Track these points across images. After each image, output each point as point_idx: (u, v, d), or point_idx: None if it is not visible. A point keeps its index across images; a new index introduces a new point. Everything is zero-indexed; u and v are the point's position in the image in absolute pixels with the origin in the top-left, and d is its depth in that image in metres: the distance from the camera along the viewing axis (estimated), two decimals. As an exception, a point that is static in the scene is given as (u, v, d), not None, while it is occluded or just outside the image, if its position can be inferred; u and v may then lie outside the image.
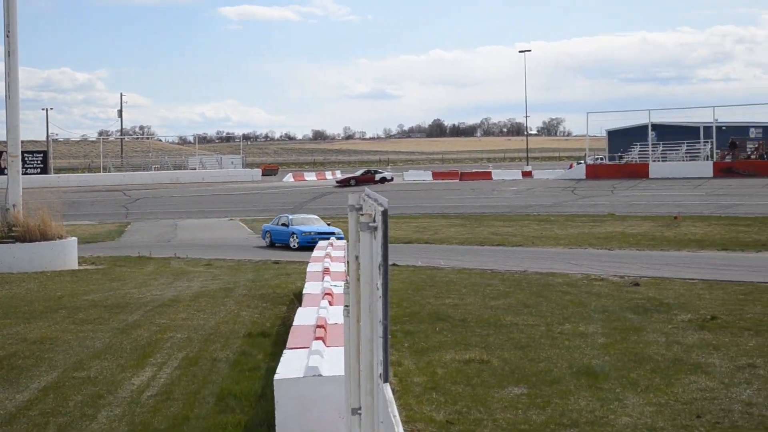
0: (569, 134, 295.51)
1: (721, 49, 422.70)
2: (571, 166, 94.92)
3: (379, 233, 5.61)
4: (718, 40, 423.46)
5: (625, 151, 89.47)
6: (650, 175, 74.09)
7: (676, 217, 45.06)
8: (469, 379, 15.71)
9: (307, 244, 36.47)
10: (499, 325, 20.34)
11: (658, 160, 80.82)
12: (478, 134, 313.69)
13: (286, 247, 38.60)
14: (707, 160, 76.43)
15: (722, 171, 71.22)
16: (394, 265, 31.21)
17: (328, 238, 34.99)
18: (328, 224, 39.86)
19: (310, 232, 37.94)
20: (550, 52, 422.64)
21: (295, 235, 38.31)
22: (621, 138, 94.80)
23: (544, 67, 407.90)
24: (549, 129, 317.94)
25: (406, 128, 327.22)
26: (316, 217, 41.60)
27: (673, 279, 27.10)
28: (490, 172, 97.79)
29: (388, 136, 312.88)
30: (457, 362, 16.92)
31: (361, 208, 6.78)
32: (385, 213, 5.55)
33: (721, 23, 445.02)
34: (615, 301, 23.27)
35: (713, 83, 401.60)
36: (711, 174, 71.19)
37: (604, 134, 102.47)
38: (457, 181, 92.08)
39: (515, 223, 46.40)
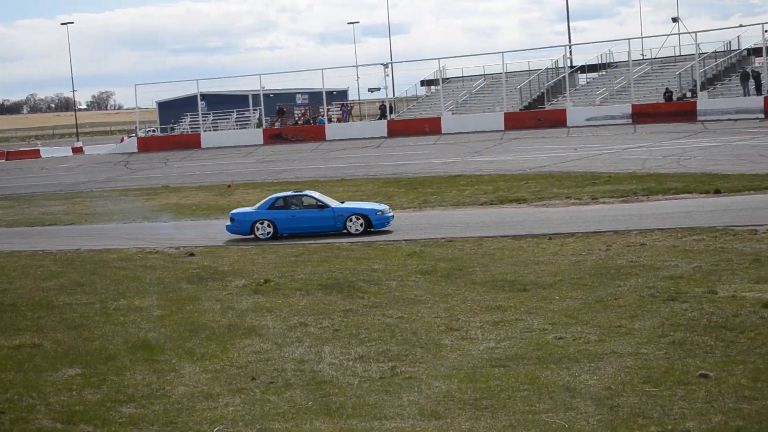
0: (120, 107, 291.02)
1: (266, 18, 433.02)
2: (122, 140, 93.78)
3: None
4: (262, 9, 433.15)
5: (177, 123, 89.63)
6: (202, 145, 74.60)
7: (229, 186, 45.85)
8: (21, 364, 15.23)
9: (383, 227, 28.97)
10: (52, 307, 19.87)
11: (210, 130, 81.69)
12: (25, 111, 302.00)
13: (295, 236, 28.96)
14: (257, 127, 78.14)
15: (272, 138, 73.05)
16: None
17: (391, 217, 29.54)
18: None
19: (383, 211, 29.20)
20: (94, 24, 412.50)
21: (358, 218, 28.78)
22: (172, 109, 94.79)
23: (89, 40, 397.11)
24: (99, 103, 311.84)
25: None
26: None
27: (228, 247, 27.69)
28: (38, 150, 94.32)
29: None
30: (7, 348, 16.34)
31: None
32: None
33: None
34: (171, 273, 23.42)
35: (260, 52, 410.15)
36: (262, 141, 72.79)
37: (156, 106, 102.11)
38: (4, 161, 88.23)
39: (67, 201, 45.22)
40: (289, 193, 30.60)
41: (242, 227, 29.41)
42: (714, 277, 18.69)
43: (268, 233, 29.11)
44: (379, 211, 29.24)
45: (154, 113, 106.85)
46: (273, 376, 13.94)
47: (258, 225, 29.25)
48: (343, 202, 30.27)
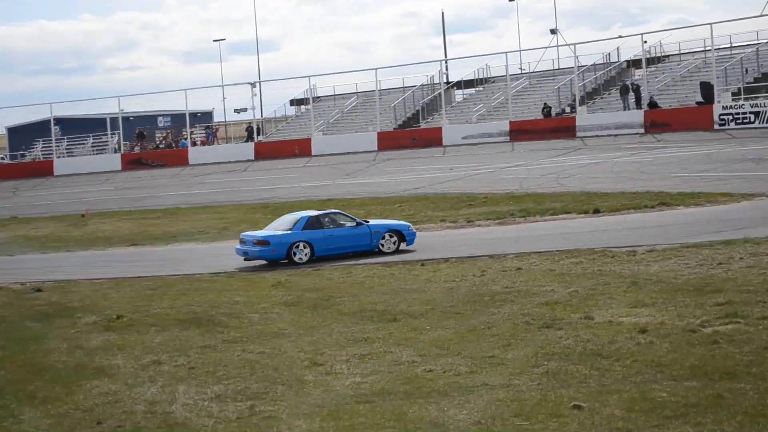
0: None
1: (126, 36, 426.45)
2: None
3: None
4: (121, 27, 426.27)
5: (28, 149, 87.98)
6: (56, 173, 73.30)
7: (83, 215, 45.04)
8: None
9: (412, 243, 28.40)
10: None
11: (64, 156, 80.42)
12: None
13: (339, 256, 27.74)
14: (115, 152, 77.19)
15: (131, 163, 72.20)
16: None
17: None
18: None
19: (410, 227, 28.90)
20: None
21: (391, 235, 28.16)
22: (24, 135, 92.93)
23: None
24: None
25: None
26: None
27: (80, 281, 27.05)
28: None
29: None
30: None
31: None
32: None
33: (123, 10, 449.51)
34: (14, 310, 22.83)
35: (120, 72, 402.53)
36: (120, 167, 71.86)
37: (5, 132, 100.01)
38: None
39: None
40: (315, 212, 29.33)
41: (278, 251, 27.46)
42: (591, 302, 18.91)
43: (306, 255, 27.56)
44: (409, 226, 28.89)
45: (3, 139, 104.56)
46: (121, 419, 13.62)
47: (297, 248, 27.58)
48: (367, 221, 29.13)
